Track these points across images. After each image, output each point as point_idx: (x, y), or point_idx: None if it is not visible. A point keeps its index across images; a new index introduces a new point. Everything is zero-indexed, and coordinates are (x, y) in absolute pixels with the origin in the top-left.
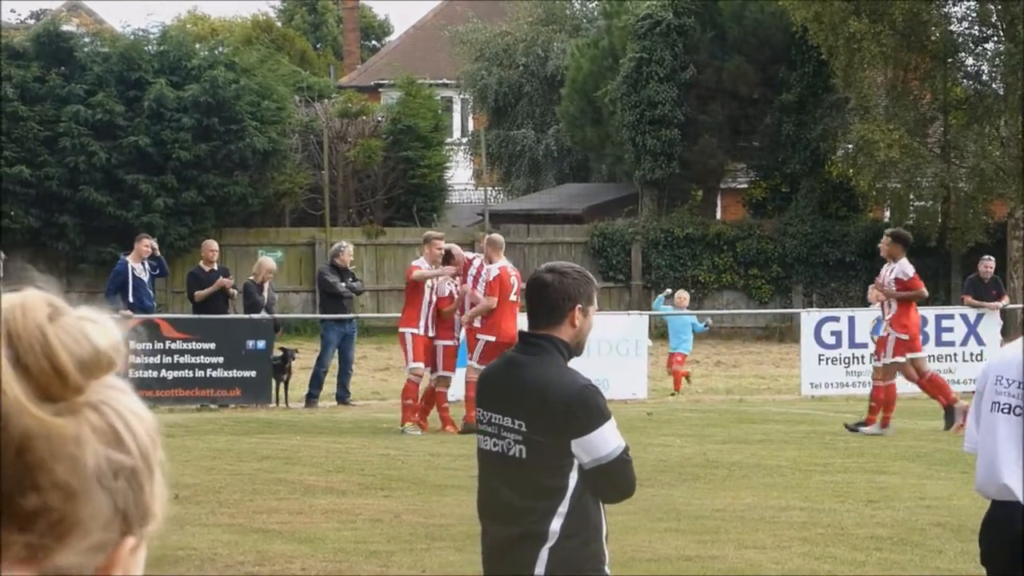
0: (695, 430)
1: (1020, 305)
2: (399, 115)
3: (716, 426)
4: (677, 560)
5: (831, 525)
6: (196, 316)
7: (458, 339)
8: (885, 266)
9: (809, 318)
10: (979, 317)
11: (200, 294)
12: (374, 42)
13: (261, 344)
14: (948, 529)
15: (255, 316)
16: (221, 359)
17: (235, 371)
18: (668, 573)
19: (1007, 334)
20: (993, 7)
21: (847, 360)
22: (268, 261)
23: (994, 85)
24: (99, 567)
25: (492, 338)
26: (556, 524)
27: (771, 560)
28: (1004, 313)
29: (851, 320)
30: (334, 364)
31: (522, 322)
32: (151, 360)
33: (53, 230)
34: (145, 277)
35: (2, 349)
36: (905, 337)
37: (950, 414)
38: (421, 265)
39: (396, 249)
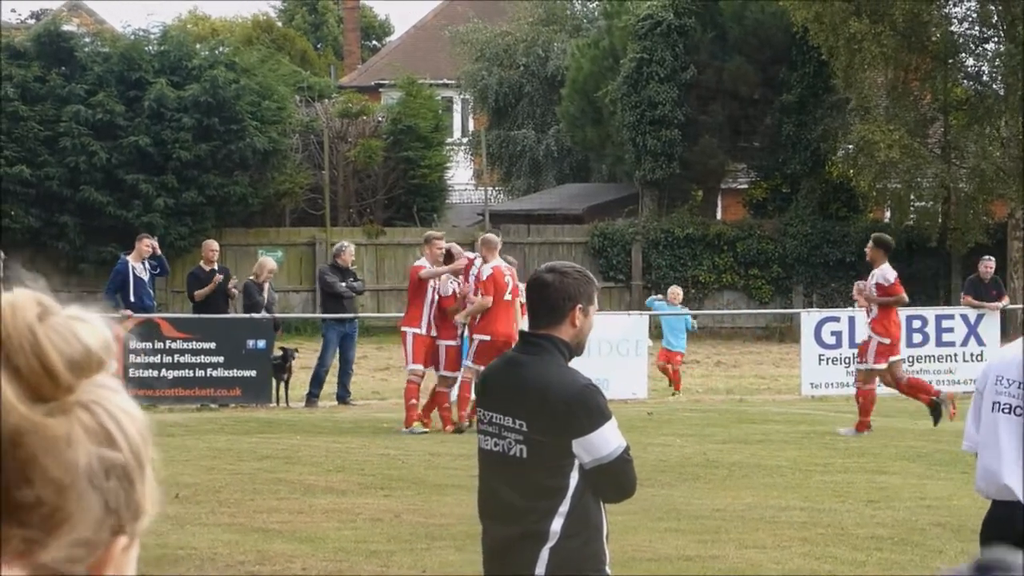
0: (695, 430)
1: (1020, 305)
2: (399, 115)
3: (716, 426)
4: (677, 560)
5: (831, 525)
6: (196, 316)
7: (460, 339)
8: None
9: (809, 318)
10: (979, 317)
11: (200, 293)
12: (374, 42)
13: (261, 344)
14: (948, 529)
15: (255, 316)
16: (221, 359)
17: (235, 371)
18: (668, 573)
19: (1007, 334)
20: (994, 8)
21: (847, 360)
22: (269, 261)
23: (994, 86)
24: (92, 566)
25: (486, 337)
26: (557, 524)
27: (771, 560)
28: (1004, 313)
29: (851, 320)
30: (335, 364)
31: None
32: (151, 360)
33: (53, 230)
34: (145, 277)
35: None
36: (887, 341)
37: (936, 410)
38: (424, 265)
39: (396, 249)
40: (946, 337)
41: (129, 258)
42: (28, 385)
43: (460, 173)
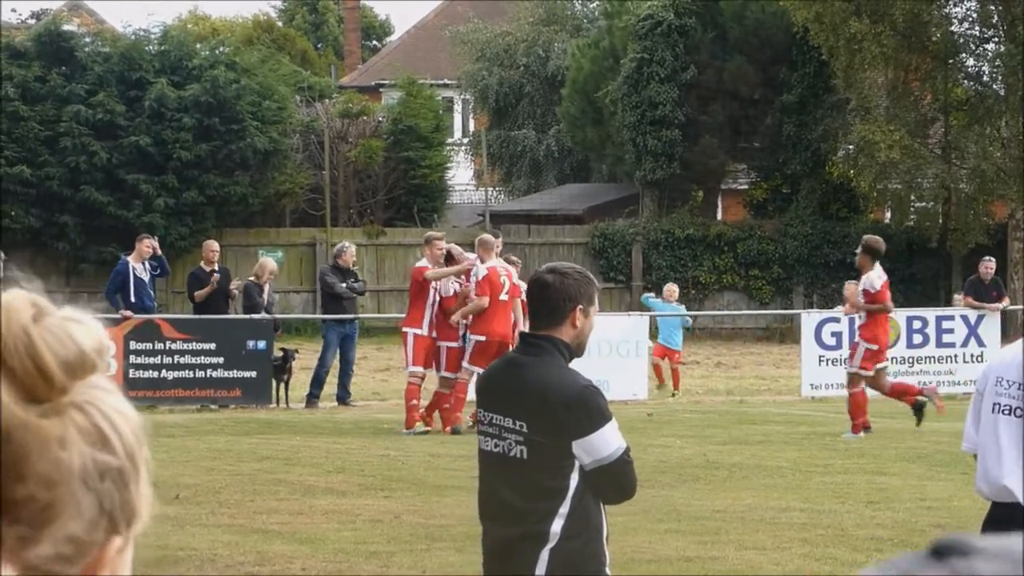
0: (695, 431)
1: (1020, 306)
2: (400, 115)
3: (716, 427)
4: (677, 561)
5: (831, 526)
6: (196, 316)
7: (462, 340)
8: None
9: (809, 319)
10: (979, 318)
11: (200, 294)
12: (375, 42)
13: (261, 344)
14: (948, 530)
15: (255, 316)
16: (221, 359)
17: (235, 371)
18: (668, 574)
19: (1007, 335)
20: (994, 8)
21: (847, 362)
22: (270, 262)
23: (995, 86)
24: (86, 568)
25: (482, 338)
26: (557, 525)
27: (771, 561)
28: (1004, 314)
29: (851, 321)
30: (335, 365)
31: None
32: (151, 360)
33: (54, 230)
34: (146, 277)
35: None
36: (874, 347)
37: (919, 411)
38: (427, 266)
39: (397, 249)
40: (946, 338)
41: (129, 259)
42: (22, 386)
43: (460, 173)
